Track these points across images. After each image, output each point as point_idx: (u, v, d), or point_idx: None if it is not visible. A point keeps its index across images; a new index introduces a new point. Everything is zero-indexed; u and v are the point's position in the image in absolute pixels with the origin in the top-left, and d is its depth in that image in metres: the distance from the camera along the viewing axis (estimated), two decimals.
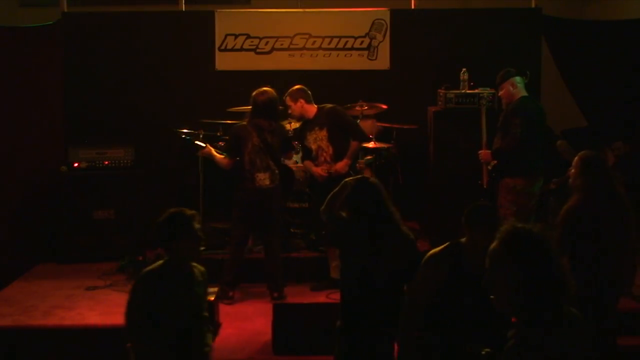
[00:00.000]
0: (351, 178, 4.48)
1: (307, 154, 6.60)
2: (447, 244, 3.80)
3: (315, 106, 6.52)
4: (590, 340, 2.41)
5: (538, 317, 2.28)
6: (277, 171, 6.27)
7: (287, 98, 6.49)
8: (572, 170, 4.69)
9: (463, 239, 3.76)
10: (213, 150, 6.35)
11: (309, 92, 6.50)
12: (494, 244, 2.37)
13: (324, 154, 6.47)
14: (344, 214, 4.26)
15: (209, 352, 3.87)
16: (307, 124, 6.54)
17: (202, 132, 6.80)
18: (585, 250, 4.49)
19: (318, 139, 6.47)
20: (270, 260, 6.29)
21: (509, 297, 2.32)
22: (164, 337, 3.69)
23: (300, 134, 6.69)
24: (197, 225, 3.75)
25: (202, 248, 3.82)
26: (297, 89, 6.50)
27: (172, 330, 3.71)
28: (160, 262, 3.82)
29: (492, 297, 2.37)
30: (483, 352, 2.98)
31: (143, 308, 3.69)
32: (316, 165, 6.50)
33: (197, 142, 6.56)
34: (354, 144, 6.49)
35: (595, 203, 4.54)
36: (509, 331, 2.36)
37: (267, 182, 6.20)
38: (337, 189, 4.36)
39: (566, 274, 2.36)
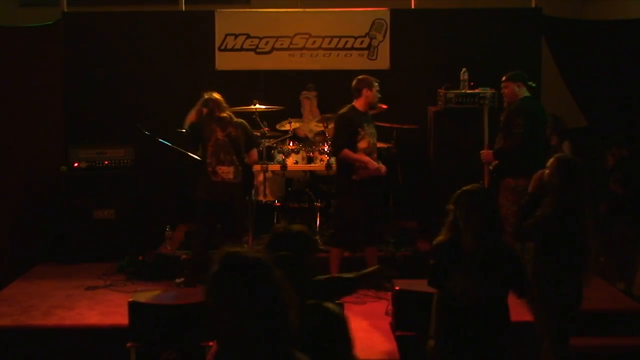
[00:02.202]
0: None
1: (353, 140, 6.16)
2: None
3: None
4: None
5: (247, 339, 2.18)
6: (240, 167, 6.20)
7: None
8: None
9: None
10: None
11: None
12: (213, 268, 2.25)
13: (376, 153, 6.35)
14: None
15: None
16: (366, 115, 6.28)
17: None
18: None
19: (374, 135, 6.31)
20: None
21: (228, 320, 2.21)
22: None
23: (358, 118, 6.21)
24: None
25: None
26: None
27: None
28: None
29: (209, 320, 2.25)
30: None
31: None
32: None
33: (159, 139, 6.53)
34: None
35: None
36: None
37: (231, 176, 6.13)
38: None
39: (288, 305, 2.20)
